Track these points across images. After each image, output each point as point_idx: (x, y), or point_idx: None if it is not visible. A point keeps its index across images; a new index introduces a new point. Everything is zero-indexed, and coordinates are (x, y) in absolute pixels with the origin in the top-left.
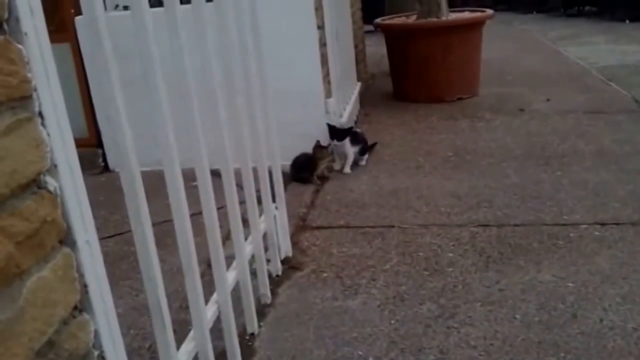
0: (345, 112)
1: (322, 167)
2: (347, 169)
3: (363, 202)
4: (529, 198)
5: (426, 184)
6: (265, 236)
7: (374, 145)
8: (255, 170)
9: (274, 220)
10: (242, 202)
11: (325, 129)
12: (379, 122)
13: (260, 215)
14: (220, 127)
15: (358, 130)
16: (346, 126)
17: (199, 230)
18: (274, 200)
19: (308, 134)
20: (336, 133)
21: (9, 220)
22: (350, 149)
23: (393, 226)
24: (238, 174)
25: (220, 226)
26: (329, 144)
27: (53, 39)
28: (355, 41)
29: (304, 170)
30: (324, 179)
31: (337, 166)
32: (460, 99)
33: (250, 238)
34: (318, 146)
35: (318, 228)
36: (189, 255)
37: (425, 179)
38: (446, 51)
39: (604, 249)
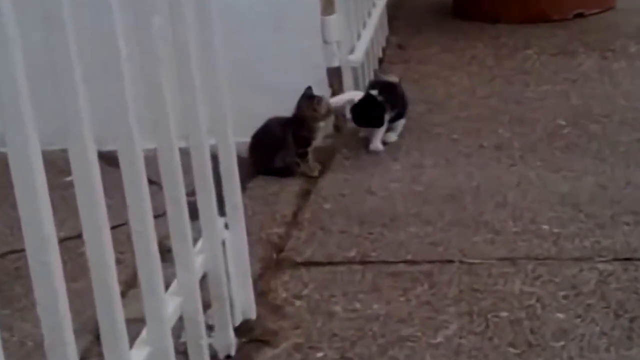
0: (360, 43)
1: (319, 136)
2: (378, 144)
3: (393, 214)
4: None
5: (515, 179)
6: (204, 280)
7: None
8: (186, 152)
9: (223, 249)
10: (159, 216)
11: (323, 76)
12: (425, 60)
13: (196, 240)
14: (117, 72)
15: (389, 79)
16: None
17: (78, 265)
18: (222, 212)
19: (289, 84)
20: (382, 87)
21: None
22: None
23: (451, 261)
24: (152, 159)
25: (120, 260)
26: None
27: None
28: None
29: (279, 150)
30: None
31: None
32: (580, 16)
33: (174, 284)
34: (308, 96)
35: (306, 264)
36: (56, 317)
37: (512, 171)
38: None
39: None
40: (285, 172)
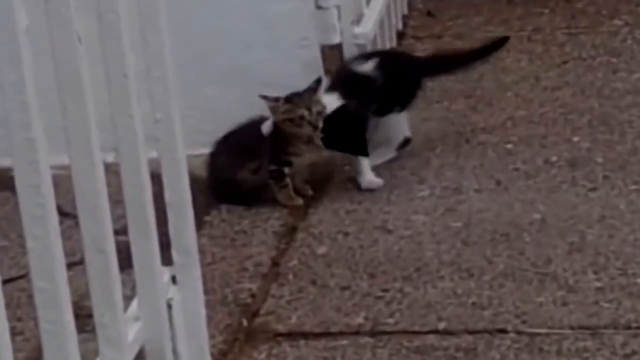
0: (370, 10)
1: (308, 152)
2: (370, 178)
3: (418, 263)
4: None
5: (597, 210)
6: (141, 359)
7: (502, 41)
8: (114, 170)
9: (168, 314)
10: (75, 264)
11: (315, 58)
12: (465, 34)
13: (129, 300)
14: (13, 51)
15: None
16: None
17: None
18: (167, 260)
19: (267, 70)
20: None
21: None
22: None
23: (504, 330)
24: (65, 180)
25: (17, 331)
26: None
27: None
28: None
29: (249, 159)
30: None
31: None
32: None
33: None
34: (294, 94)
35: (291, 336)
36: None
37: (592, 198)
38: None
39: None
40: (250, 194)
